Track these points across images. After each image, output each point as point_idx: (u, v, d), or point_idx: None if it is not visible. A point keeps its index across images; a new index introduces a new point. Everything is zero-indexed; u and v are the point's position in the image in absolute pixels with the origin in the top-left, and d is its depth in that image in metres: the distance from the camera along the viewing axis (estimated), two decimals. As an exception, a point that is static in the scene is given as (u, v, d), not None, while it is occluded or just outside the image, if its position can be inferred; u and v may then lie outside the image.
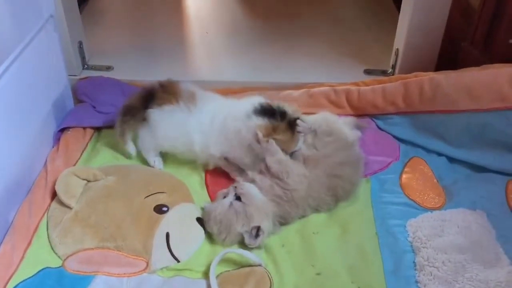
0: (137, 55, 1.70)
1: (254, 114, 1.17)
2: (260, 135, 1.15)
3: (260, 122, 1.16)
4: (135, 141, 1.30)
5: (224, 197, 1.10)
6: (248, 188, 1.10)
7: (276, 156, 1.14)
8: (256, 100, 1.21)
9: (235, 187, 1.11)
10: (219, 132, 1.21)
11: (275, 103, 1.21)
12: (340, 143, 1.22)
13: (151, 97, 1.25)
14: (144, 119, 1.25)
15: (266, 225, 1.06)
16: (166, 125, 1.23)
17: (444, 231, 1.08)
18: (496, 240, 1.07)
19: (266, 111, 1.18)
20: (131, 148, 1.28)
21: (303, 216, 1.15)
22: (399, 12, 1.55)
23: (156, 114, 1.23)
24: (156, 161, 1.27)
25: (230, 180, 1.22)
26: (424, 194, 1.21)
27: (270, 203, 1.10)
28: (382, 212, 1.16)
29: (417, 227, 1.11)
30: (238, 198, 1.08)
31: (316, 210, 1.16)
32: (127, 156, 1.29)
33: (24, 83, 1.17)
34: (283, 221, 1.12)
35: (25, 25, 1.19)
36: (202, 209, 1.14)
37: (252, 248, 1.06)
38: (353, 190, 1.19)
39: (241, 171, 1.21)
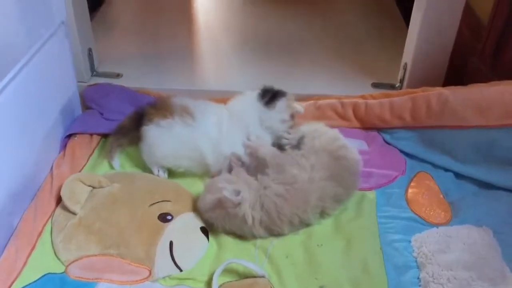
0: (146, 63, 1.71)
1: (259, 99, 1.26)
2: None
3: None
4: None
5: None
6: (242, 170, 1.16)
7: (267, 147, 1.20)
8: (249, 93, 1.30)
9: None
10: (230, 132, 1.24)
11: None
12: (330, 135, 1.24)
13: (142, 116, 1.27)
14: (138, 138, 1.27)
15: (246, 192, 1.09)
16: (165, 142, 1.24)
17: (449, 248, 1.07)
18: (502, 258, 1.06)
19: (268, 92, 1.27)
20: (116, 164, 1.31)
21: (308, 225, 1.14)
22: (408, 26, 1.56)
23: (152, 131, 1.24)
24: (160, 171, 1.27)
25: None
26: (430, 210, 1.20)
27: (261, 191, 1.11)
28: (387, 226, 1.15)
29: (422, 242, 1.10)
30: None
31: (321, 215, 1.16)
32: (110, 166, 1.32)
33: (33, 89, 1.18)
34: (275, 223, 1.10)
35: (36, 31, 1.20)
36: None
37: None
38: (350, 192, 1.20)
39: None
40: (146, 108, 1.29)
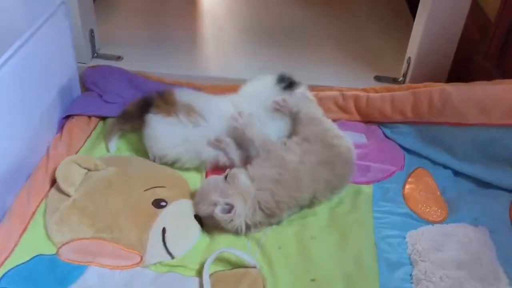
0: (147, 46, 1.69)
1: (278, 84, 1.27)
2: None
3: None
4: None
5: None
6: (237, 171, 1.12)
7: (256, 130, 1.19)
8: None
9: (230, 169, 1.14)
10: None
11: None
12: (325, 127, 1.23)
13: (149, 105, 1.25)
14: (141, 125, 1.26)
15: (239, 207, 1.06)
16: (165, 138, 1.22)
17: (444, 246, 1.06)
18: (496, 259, 1.05)
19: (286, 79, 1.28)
20: (112, 146, 1.29)
21: (302, 208, 1.14)
22: (414, 19, 1.54)
23: (156, 121, 1.23)
24: (157, 159, 1.26)
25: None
26: (426, 206, 1.19)
27: (256, 192, 1.09)
28: (382, 221, 1.14)
29: (416, 239, 1.09)
30: (226, 178, 1.11)
31: (313, 201, 1.15)
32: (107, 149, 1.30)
33: (31, 68, 1.16)
34: (275, 212, 1.10)
35: (36, 10, 1.19)
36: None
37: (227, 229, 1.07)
38: (343, 180, 1.19)
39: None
40: (155, 97, 1.26)
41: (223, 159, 1.23)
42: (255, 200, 1.09)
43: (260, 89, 1.29)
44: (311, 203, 1.17)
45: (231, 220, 1.06)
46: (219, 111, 1.25)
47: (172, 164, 1.24)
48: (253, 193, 1.09)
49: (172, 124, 1.22)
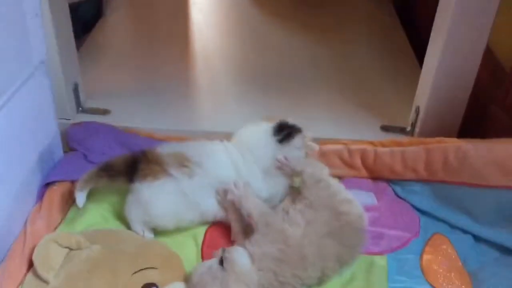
0: (137, 99, 1.57)
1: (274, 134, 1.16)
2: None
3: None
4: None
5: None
6: (235, 253, 0.99)
7: (253, 201, 1.08)
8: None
9: (224, 249, 1.01)
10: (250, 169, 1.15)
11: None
12: (332, 191, 1.11)
13: (135, 165, 1.12)
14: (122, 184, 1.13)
15: None
16: (163, 202, 1.10)
17: (474, 335, 0.94)
18: None
19: (284, 127, 1.17)
20: (80, 200, 1.12)
21: (308, 287, 1.02)
22: (420, 65, 1.44)
23: (146, 190, 1.10)
24: (146, 232, 1.13)
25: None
26: (448, 282, 1.07)
27: (258, 273, 0.97)
28: (400, 301, 1.03)
29: (441, 324, 0.97)
30: (221, 262, 0.97)
31: (322, 278, 1.03)
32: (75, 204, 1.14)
33: (8, 134, 1.05)
34: None
35: (12, 73, 1.07)
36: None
37: None
38: (354, 252, 1.08)
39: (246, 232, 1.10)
40: (140, 158, 1.13)
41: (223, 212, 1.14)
42: (259, 286, 0.96)
43: (254, 140, 1.18)
44: (320, 281, 1.04)
45: None
46: (214, 155, 1.15)
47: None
48: (255, 279, 0.96)
49: (163, 184, 1.10)
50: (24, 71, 1.10)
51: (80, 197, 1.12)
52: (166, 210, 1.11)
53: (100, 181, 1.13)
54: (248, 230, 1.09)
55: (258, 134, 1.19)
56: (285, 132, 1.17)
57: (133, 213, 1.13)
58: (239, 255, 0.99)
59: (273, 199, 1.17)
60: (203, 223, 1.17)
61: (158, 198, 1.10)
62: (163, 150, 1.14)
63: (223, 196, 1.12)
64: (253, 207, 1.08)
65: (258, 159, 1.16)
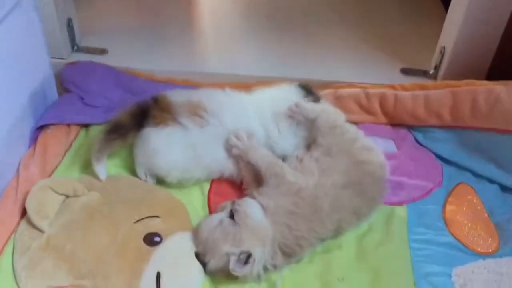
0: (136, 38, 1.45)
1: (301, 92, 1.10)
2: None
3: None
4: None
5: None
6: (246, 206, 0.92)
7: (260, 151, 1.01)
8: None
9: (233, 202, 0.93)
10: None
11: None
12: (349, 137, 1.03)
13: (145, 113, 1.02)
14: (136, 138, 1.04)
15: (258, 253, 0.87)
16: (168, 152, 1.01)
17: (501, 289, 0.88)
18: None
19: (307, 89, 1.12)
20: (101, 172, 1.03)
21: (323, 240, 0.95)
22: (443, 2, 1.30)
23: (154, 135, 1.01)
24: (148, 177, 1.05)
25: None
26: (473, 234, 1.00)
27: (272, 227, 0.90)
28: (421, 254, 0.96)
29: (466, 279, 0.90)
30: (232, 215, 0.89)
31: (338, 231, 0.96)
32: (96, 177, 1.04)
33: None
34: (294, 250, 0.91)
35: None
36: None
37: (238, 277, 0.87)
38: (373, 204, 1.00)
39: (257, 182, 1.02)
40: (150, 105, 1.04)
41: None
42: (274, 240, 0.89)
43: (283, 97, 1.10)
44: (336, 234, 0.97)
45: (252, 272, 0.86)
46: (231, 104, 1.06)
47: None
48: (271, 232, 0.89)
49: (172, 133, 1.01)
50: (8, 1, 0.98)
51: (101, 170, 1.02)
52: (172, 162, 1.02)
53: (114, 145, 1.03)
54: (260, 180, 1.01)
55: (286, 92, 1.11)
56: (309, 92, 1.11)
57: (140, 157, 1.05)
58: (251, 207, 0.91)
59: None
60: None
61: (165, 148, 1.01)
62: (174, 96, 1.05)
63: (229, 150, 1.04)
64: (259, 158, 1.00)
65: (278, 117, 1.07)
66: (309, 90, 1.12)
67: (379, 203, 1.02)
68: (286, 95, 1.10)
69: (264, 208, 0.92)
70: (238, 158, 1.03)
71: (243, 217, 0.88)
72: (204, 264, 0.89)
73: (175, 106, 1.03)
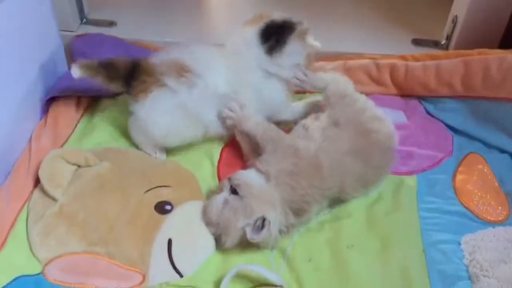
0: (145, 10, 1.46)
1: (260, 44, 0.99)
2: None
3: None
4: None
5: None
6: (244, 177, 0.91)
7: (254, 119, 0.99)
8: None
9: (229, 178, 0.91)
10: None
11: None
12: (359, 107, 1.02)
13: (133, 73, 0.98)
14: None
15: (272, 216, 0.87)
16: (161, 119, 0.99)
17: (510, 257, 0.87)
18: None
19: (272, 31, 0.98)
20: (75, 71, 0.98)
21: (331, 202, 0.96)
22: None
23: (143, 108, 0.98)
24: (158, 153, 1.05)
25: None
26: (483, 203, 1.00)
27: (277, 189, 0.90)
28: (431, 222, 0.96)
29: (475, 246, 0.91)
30: (234, 191, 0.89)
31: (343, 195, 0.97)
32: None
33: (4, 42, 0.96)
34: (302, 208, 0.92)
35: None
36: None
37: (259, 246, 0.88)
38: (380, 173, 1.00)
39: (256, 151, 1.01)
40: (137, 68, 0.99)
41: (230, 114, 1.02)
42: (282, 201, 0.90)
43: (242, 47, 1.01)
44: (342, 198, 0.97)
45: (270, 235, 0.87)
46: (213, 62, 1.01)
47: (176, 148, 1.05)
48: (277, 195, 0.89)
49: (158, 99, 0.97)
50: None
51: (75, 70, 0.98)
52: (165, 127, 1.00)
53: (96, 77, 0.99)
54: (258, 149, 1.00)
55: (241, 45, 1.01)
56: (273, 38, 0.98)
57: (138, 137, 1.05)
58: (249, 176, 0.92)
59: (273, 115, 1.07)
60: (210, 138, 1.07)
61: (155, 115, 0.98)
62: (155, 59, 1.00)
63: (224, 121, 1.02)
64: (254, 127, 0.99)
65: (247, 76, 1.02)
66: (274, 30, 0.99)
67: (386, 173, 1.02)
68: (248, 49, 1.00)
69: (265, 174, 0.92)
70: (233, 129, 1.03)
71: (245, 188, 0.88)
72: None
73: (157, 68, 0.98)
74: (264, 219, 0.86)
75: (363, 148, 0.97)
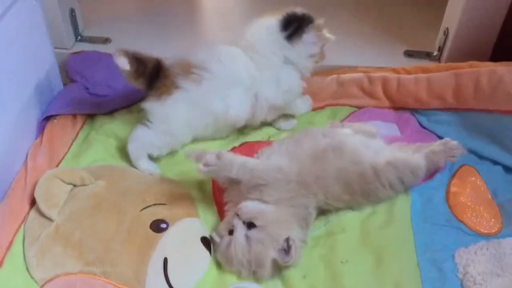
0: (140, 27, 1.47)
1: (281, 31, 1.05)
2: None
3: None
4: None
5: (230, 231, 0.90)
6: (254, 208, 0.90)
7: (235, 166, 0.90)
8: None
9: (237, 214, 0.90)
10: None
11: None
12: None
13: (157, 72, 1.03)
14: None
15: (294, 234, 0.88)
16: (180, 117, 1.05)
17: (503, 270, 0.88)
18: None
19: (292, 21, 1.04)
20: (123, 63, 1.00)
21: (325, 201, 0.96)
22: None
23: (162, 108, 1.04)
24: (151, 167, 1.07)
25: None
26: (476, 215, 1.00)
27: (285, 208, 0.91)
28: (425, 236, 0.96)
29: (468, 260, 0.91)
30: (250, 225, 0.88)
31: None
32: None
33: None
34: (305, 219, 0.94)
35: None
36: (210, 237, 0.94)
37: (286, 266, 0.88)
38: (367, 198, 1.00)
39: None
40: (160, 69, 1.04)
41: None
42: (294, 216, 0.91)
43: (261, 40, 1.06)
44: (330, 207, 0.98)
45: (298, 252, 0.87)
46: (223, 55, 1.06)
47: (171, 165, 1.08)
48: (290, 210, 0.91)
49: (178, 99, 1.04)
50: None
51: (122, 60, 1.00)
52: (182, 125, 1.06)
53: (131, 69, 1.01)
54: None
55: (263, 33, 1.06)
56: (293, 26, 1.04)
57: (136, 151, 1.07)
58: (256, 205, 0.90)
59: (287, 104, 1.12)
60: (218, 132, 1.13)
61: (174, 114, 1.05)
62: (168, 60, 1.06)
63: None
64: (234, 173, 0.90)
65: (267, 62, 1.06)
66: (296, 19, 1.04)
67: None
68: (270, 37, 1.05)
69: (267, 202, 0.91)
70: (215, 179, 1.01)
71: (262, 218, 0.88)
72: (209, 248, 0.91)
73: (170, 69, 1.04)
74: (288, 239, 0.86)
75: (350, 183, 0.97)
